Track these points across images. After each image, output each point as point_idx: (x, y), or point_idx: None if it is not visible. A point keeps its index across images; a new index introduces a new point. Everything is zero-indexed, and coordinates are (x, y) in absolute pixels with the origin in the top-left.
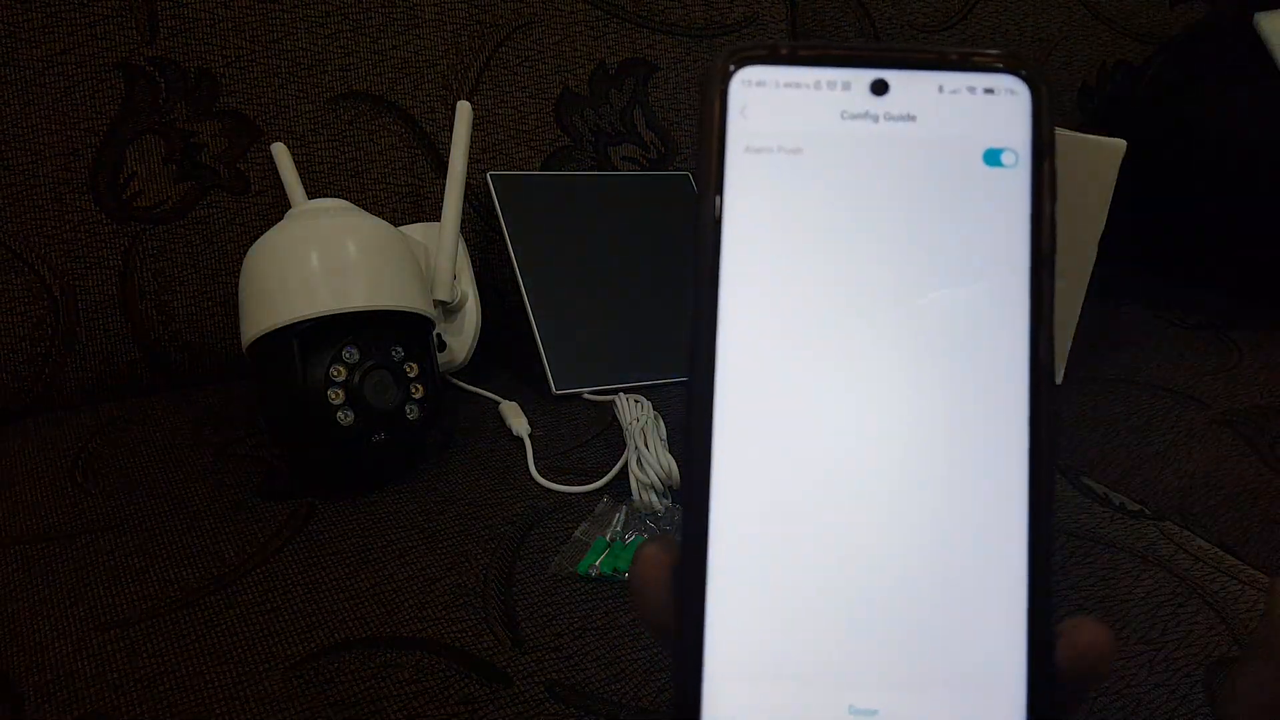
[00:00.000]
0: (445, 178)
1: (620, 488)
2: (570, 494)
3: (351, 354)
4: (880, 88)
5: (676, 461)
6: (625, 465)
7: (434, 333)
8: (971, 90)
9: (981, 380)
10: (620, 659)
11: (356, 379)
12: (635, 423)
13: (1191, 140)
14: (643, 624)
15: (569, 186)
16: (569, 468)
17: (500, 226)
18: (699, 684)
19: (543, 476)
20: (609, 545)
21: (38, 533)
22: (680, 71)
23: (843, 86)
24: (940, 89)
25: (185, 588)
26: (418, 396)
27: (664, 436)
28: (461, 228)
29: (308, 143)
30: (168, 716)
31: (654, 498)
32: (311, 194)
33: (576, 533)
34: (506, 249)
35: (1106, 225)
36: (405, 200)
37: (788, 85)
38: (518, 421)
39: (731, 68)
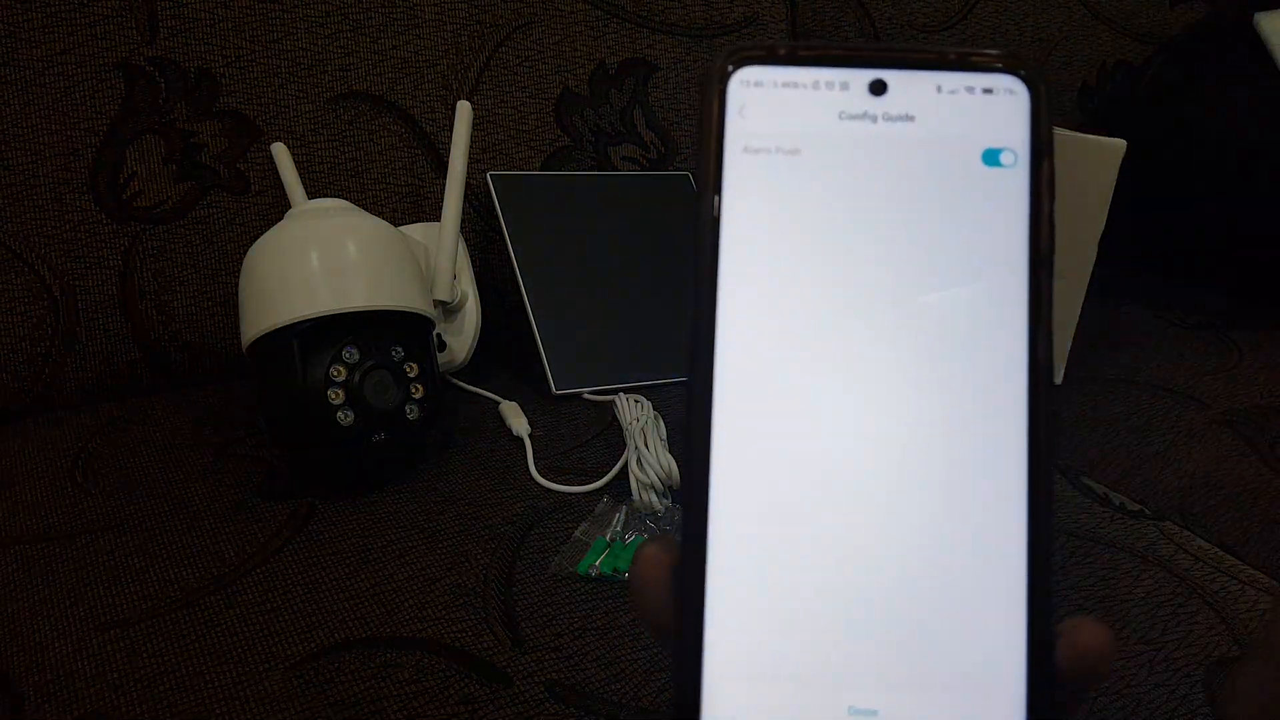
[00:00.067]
0: (445, 178)
1: (620, 488)
2: (570, 494)
3: (351, 354)
4: (879, 88)
5: (676, 461)
6: (625, 465)
7: (434, 333)
8: (970, 90)
9: (980, 380)
10: (620, 659)
11: (356, 379)
12: (635, 423)
13: (1191, 140)
14: (642, 624)
15: (569, 186)
16: (569, 468)
17: (500, 226)
18: (699, 684)
19: (543, 476)
20: (609, 545)
21: (38, 533)
22: (680, 71)
23: (841, 87)
24: (939, 89)
25: (185, 588)
26: (418, 396)
27: (664, 436)
28: (461, 228)
29: (308, 143)
30: (168, 716)
31: (654, 498)
32: (311, 194)
33: (576, 533)
34: (506, 249)
35: (1106, 225)
36: (405, 200)
37: (786, 85)
38: (518, 421)
39: (730, 68)
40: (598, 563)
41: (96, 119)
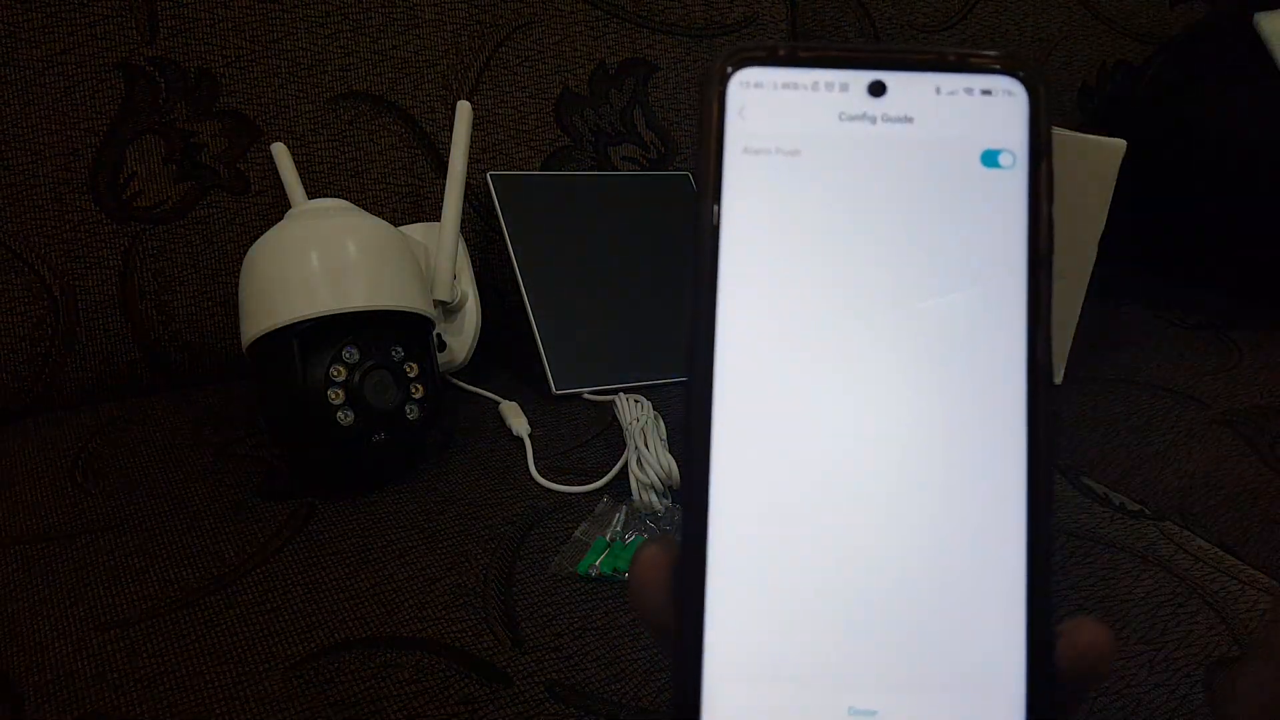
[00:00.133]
0: (445, 178)
1: (620, 488)
2: (570, 494)
3: (351, 354)
4: (878, 89)
5: (676, 461)
6: (625, 465)
7: (434, 333)
8: (969, 91)
9: (980, 381)
10: (620, 659)
11: (356, 379)
12: (635, 423)
13: (1191, 140)
14: (642, 625)
15: (569, 186)
16: (569, 468)
17: (500, 226)
18: (698, 685)
19: (543, 476)
20: (609, 545)
21: (38, 533)
22: (680, 71)
23: (840, 88)
24: (938, 90)
25: (185, 588)
26: (418, 396)
27: (664, 436)
28: (461, 228)
29: (308, 143)
30: (168, 716)
31: (654, 498)
32: (311, 194)
33: (576, 533)
34: (506, 249)
35: (1106, 225)
36: (405, 200)
37: (786, 86)
38: (518, 421)
39: (730, 69)
40: (598, 563)
41: (96, 119)
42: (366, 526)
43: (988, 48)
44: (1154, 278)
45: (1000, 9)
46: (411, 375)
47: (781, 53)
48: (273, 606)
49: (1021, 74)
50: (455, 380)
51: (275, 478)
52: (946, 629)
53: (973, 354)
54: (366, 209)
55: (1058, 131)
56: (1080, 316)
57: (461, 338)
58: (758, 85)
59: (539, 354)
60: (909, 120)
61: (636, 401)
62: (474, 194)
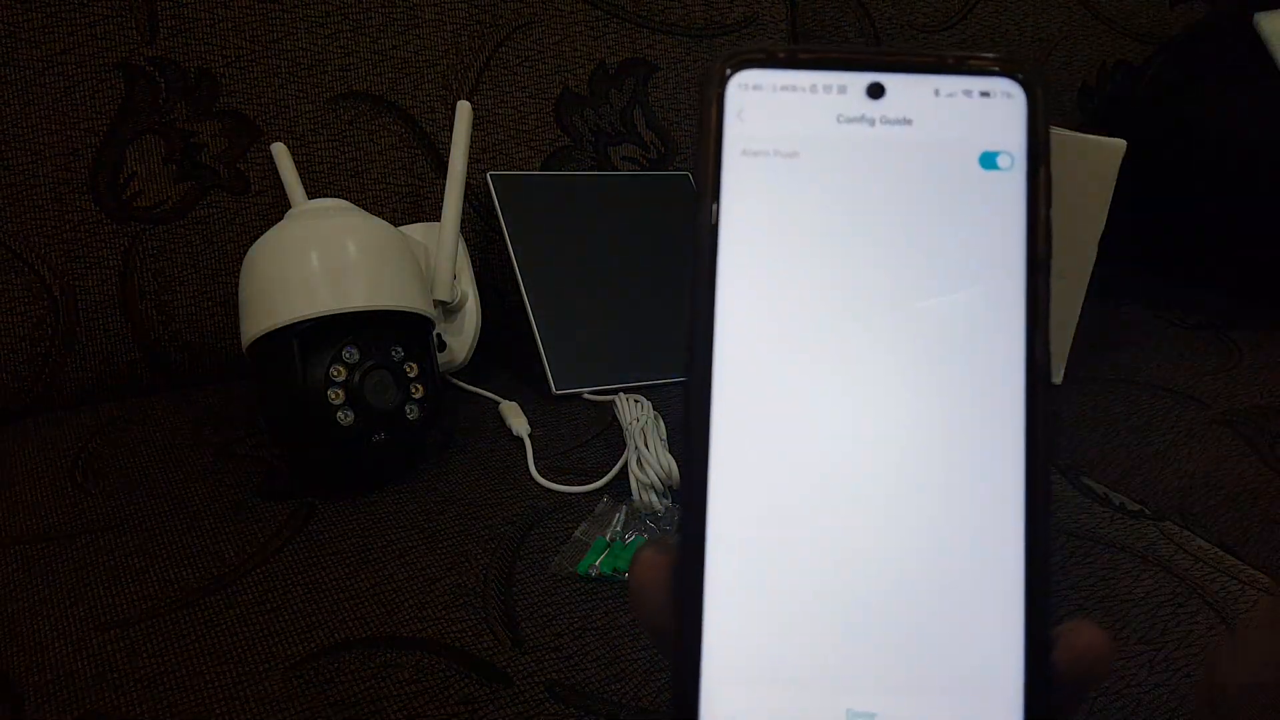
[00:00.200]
0: (445, 178)
1: (620, 488)
2: (570, 494)
3: (351, 354)
4: (876, 91)
5: (677, 462)
6: (625, 465)
7: (434, 333)
8: (968, 93)
9: (978, 383)
10: (620, 659)
11: (356, 379)
12: (635, 423)
13: (1191, 140)
14: (641, 627)
15: (569, 186)
16: (569, 468)
17: (500, 226)
18: (697, 687)
19: (543, 476)
20: (609, 545)
21: (38, 533)
22: (680, 71)
23: (839, 90)
24: (936, 92)
25: (185, 588)
26: (418, 396)
27: (664, 436)
28: (461, 228)
29: (308, 143)
30: (168, 716)
31: (654, 498)
32: (311, 194)
33: (576, 533)
34: (506, 249)
35: (1106, 225)
36: (405, 200)
37: (784, 89)
38: (518, 421)
39: (728, 71)
40: (598, 563)
41: (96, 119)
42: (366, 526)
43: (986, 49)
44: (1154, 278)
45: (1000, 9)
46: (411, 375)
47: (780, 55)
48: (273, 606)
49: (1020, 76)
50: (455, 380)
51: (275, 478)
52: (945, 631)
53: (971, 356)
54: (366, 209)
55: (1057, 131)
56: (1080, 316)
57: (461, 338)
58: (756, 87)
59: (539, 354)
60: (907, 122)
61: (636, 401)
62: (474, 194)
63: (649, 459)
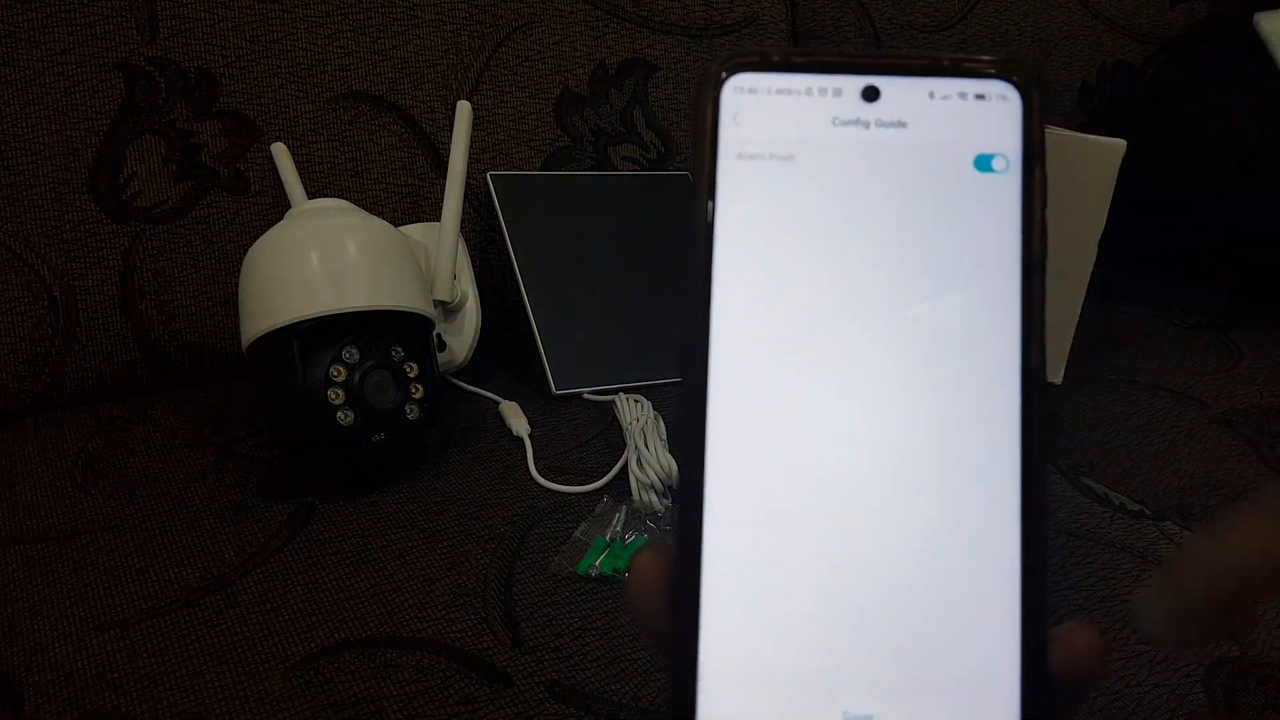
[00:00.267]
0: (445, 178)
1: (620, 488)
2: (570, 494)
3: (351, 354)
4: (871, 94)
5: (677, 462)
6: (625, 465)
7: (434, 333)
8: (963, 96)
9: (973, 385)
10: (620, 659)
11: (356, 379)
12: (635, 423)
13: (1191, 140)
14: (639, 630)
15: (569, 186)
16: (569, 468)
17: (500, 226)
18: (694, 689)
19: (543, 476)
20: (609, 545)
21: (38, 533)
22: (680, 71)
23: (834, 93)
24: (931, 95)
25: (185, 588)
26: (418, 396)
27: (664, 436)
28: (461, 228)
29: (308, 143)
30: (168, 716)
31: (654, 498)
32: (311, 194)
33: (576, 533)
34: (506, 249)
35: (1106, 225)
36: (405, 200)
37: (779, 92)
38: (518, 421)
39: (724, 75)
40: (598, 563)
41: (96, 119)
42: (366, 526)
43: (981, 52)
44: (1154, 278)
45: (1000, 9)
46: (411, 375)
47: (775, 58)
48: (273, 606)
49: (1015, 78)
50: (455, 380)
51: (275, 478)
52: (941, 633)
53: (966, 358)
54: (366, 209)
55: (1057, 131)
56: (1080, 316)
57: (461, 338)
58: (751, 91)
59: (539, 354)
60: (902, 125)
61: (636, 401)
62: (474, 194)
63: (649, 459)
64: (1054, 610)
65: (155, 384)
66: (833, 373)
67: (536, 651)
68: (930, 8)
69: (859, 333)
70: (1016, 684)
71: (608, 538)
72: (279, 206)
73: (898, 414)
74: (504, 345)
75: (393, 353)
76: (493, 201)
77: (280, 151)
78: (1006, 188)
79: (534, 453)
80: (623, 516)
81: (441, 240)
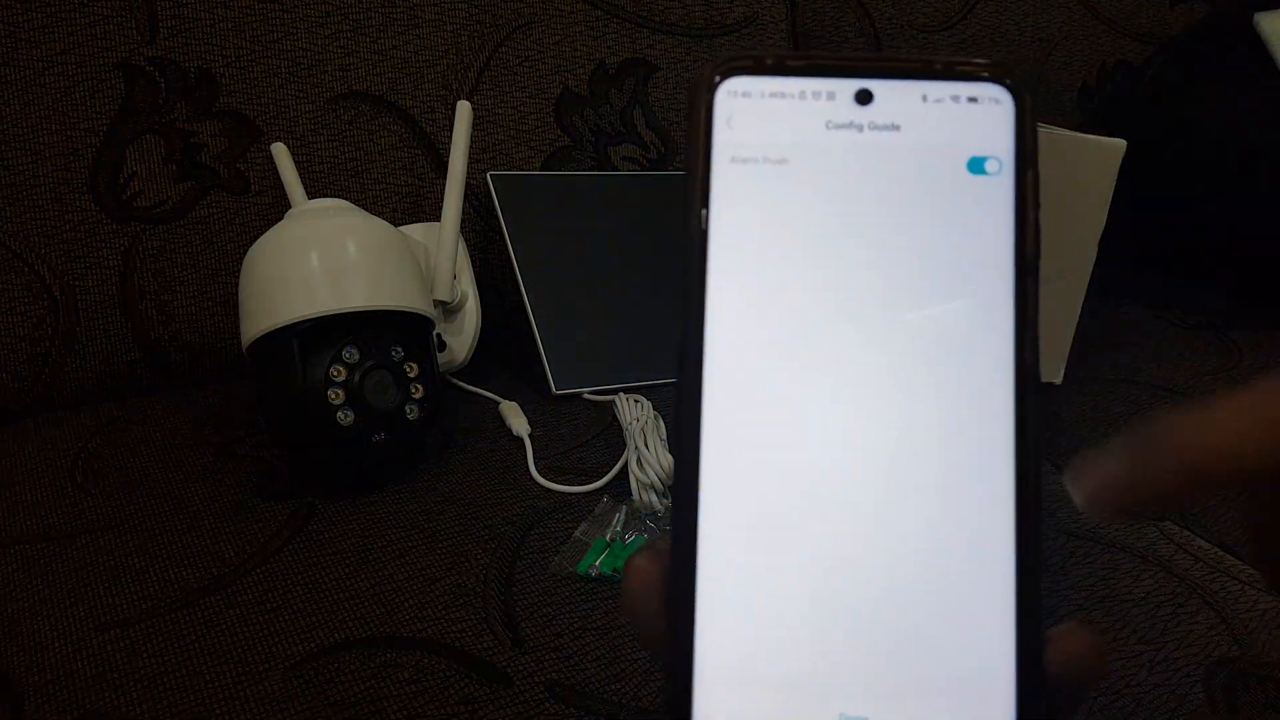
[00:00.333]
0: (445, 178)
1: (620, 488)
2: (570, 494)
3: (351, 354)
4: (864, 97)
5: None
6: (625, 465)
7: (434, 333)
8: (955, 99)
9: (968, 387)
10: (620, 659)
11: (356, 379)
12: (635, 423)
13: (1191, 140)
14: (634, 634)
15: (569, 186)
16: (569, 468)
17: (500, 226)
18: (689, 692)
19: (543, 476)
20: (609, 545)
21: (37, 533)
22: (680, 71)
23: (827, 96)
24: (924, 98)
25: (185, 588)
26: (418, 396)
27: (664, 436)
28: (461, 228)
29: (308, 143)
30: (168, 717)
31: (654, 498)
32: (311, 194)
33: (576, 533)
34: (506, 249)
35: (1106, 225)
36: (405, 200)
37: (773, 95)
38: (518, 421)
39: (717, 79)
40: (598, 563)
41: (96, 119)
42: (366, 526)
43: (974, 55)
44: (1154, 278)
45: (1000, 9)
46: (411, 375)
47: (768, 62)
48: (273, 606)
49: (1008, 81)
50: (455, 380)
51: (275, 478)
52: (937, 634)
53: (961, 359)
54: (366, 209)
55: (1057, 131)
56: (1080, 317)
57: (461, 338)
58: (745, 94)
59: (539, 354)
60: (896, 128)
61: (636, 401)
62: (474, 194)
63: (649, 459)
64: (1051, 611)
65: (155, 384)
66: (826, 375)
67: (536, 651)
68: (930, 8)
69: (853, 335)
70: (1012, 686)
71: (608, 538)
72: (279, 206)
73: (892, 416)
74: (504, 345)
75: (393, 353)
76: (493, 201)
77: (280, 151)
78: (1000, 190)
79: (534, 453)
80: (623, 516)
81: (441, 240)
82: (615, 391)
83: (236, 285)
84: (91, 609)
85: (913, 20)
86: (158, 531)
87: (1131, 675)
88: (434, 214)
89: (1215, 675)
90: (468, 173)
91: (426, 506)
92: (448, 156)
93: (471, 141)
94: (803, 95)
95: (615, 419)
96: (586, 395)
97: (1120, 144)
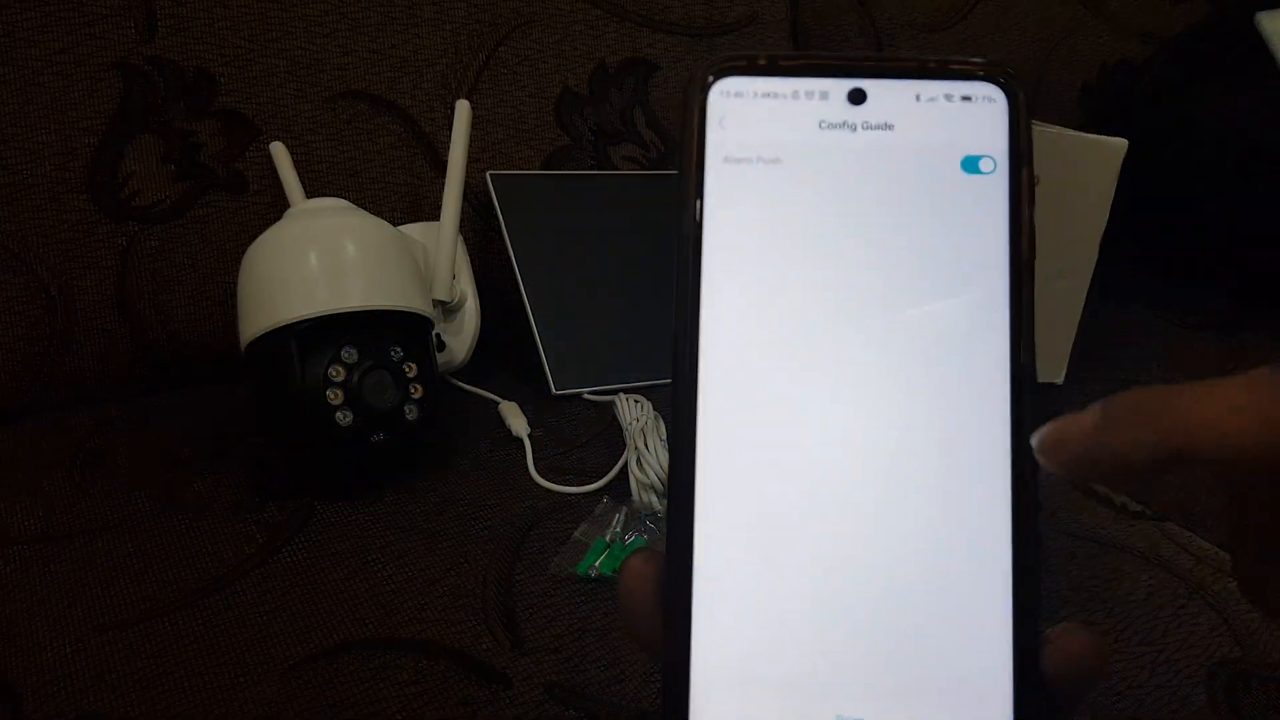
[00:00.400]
0: (444, 177)
1: (620, 488)
2: (570, 495)
3: (350, 354)
4: (858, 97)
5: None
6: (625, 466)
7: (433, 333)
8: (949, 98)
9: (964, 387)
10: (620, 660)
11: (355, 379)
12: (635, 423)
13: (1193, 139)
14: (631, 635)
15: (569, 186)
16: (568, 468)
17: (500, 226)
18: (687, 694)
19: (542, 477)
20: (609, 546)
21: (35, 533)
22: (680, 71)
23: (820, 96)
24: (918, 97)
25: (183, 589)
26: (417, 397)
27: (664, 437)
28: (461, 227)
29: (306, 142)
30: (166, 718)
31: (654, 498)
32: (310, 193)
33: (576, 533)
34: (506, 249)
35: (1108, 225)
36: (404, 200)
37: (766, 95)
38: (517, 422)
39: (710, 79)
40: (597, 564)
41: (94, 118)
42: (365, 527)
43: (968, 54)
44: (1155, 278)
45: (1002, 7)
46: (410, 375)
47: (761, 62)
48: (271, 608)
49: (1002, 80)
50: (454, 380)
51: (273, 478)
52: (934, 635)
53: (956, 359)
54: (365, 208)
55: (1058, 131)
56: (1082, 317)
57: (461, 338)
58: (738, 94)
59: (538, 354)
60: (889, 127)
61: (636, 402)
62: (473, 193)
63: (649, 459)
64: (1052, 612)
65: (153, 384)
66: (820, 375)
67: (536, 653)
68: (931, 6)
69: (848, 334)
70: (1009, 687)
71: (607, 538)
72: (277, 206)
73: (888, 415)
74: (503, 345)
75: (392, 353)
76: (492, 201)
77: (279, 151)
78: (994, 189)
79: (533, 453)
80: (623, 517)
81: (441, 240)
82: (615, 392)
83: (234, 285)
84: (89, 610)
85: (914, 19)
86: (156, 532)
87: (1133, 676)
88: (433, 213)
89: (1217, 676)
90: (467, 172)
91: (425, 507)
92: (447, 156)
93: (471, 141)
94: (796, 95)
95: (615, 419)
96: (586, 395)
97: (1122, 143)
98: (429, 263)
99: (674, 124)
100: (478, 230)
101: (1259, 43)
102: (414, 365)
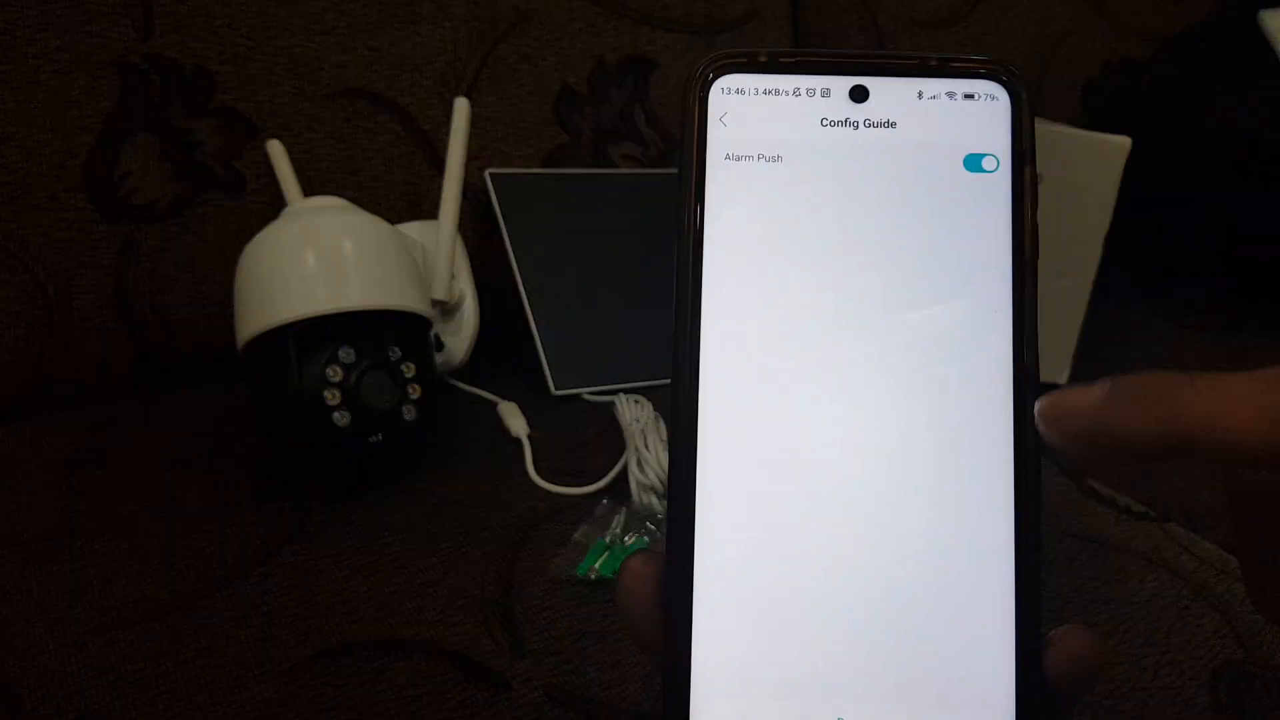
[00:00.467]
0: (443, 175)
1: (620, 489)
2: (570, 496)
3: (348, 354)
4: (860, 94)
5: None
6: (625, 467)
7: (431, 332)
8: (951, 96)
9: (966, 386)
10: (620, 663)
11: (353, 379)
12: (635, 423)
13: (1194, 139)
14: (631, 638)
15: (568, 185)
16: (568, 469)
17: (499, 225)
18: (686, 697)
19: (542, 478)
20: (609, 548)
21: (32, 535)
22: (681, 68)
23: (822, 93)
24: (920, 95)
25: (181, 590)
26: (415, 397)
27: (665, 438)
28: (459, 226)
29: (304, 140)
30: (165, 719)
31: (654, 499)
32: (308, 192)
33: (576, 535)
34: (505, 248)
35: (1111, 224)
36: (402, 198)
37: (767, 92)
38: (516, 422)
39: (711, 75)
40: (597, 565)
41: (91, 116)
42: (363, 529)
43: (970, 52)
44: (1158, 277)
45: (1004, 5)
46: (409, 375)
47: (763, 59)
48: (269, 610)
49: (1004, 78)
50: (453, 380)
51: (271, 479)
52: (935, 637)
53: (958, 359)
54: (363, 207)
55: (1061, 129)
56: (1085, 316)
57: (459, 337)
58: (739, 91)
59: (538, 354)
60: (891, 125)
61: (637, 402)
62: (472, 192)
63: (649, 460)
64: (1055, 613)
65: (150, 384)
66: (821, 374)
67: (535, 655)
68: (933, 4)
69: (849, 333)
70: (1011, 688)
71: (607, 540)
72: (275, 205)
73: (889, 415)
74: (502, 345)
75: (390, 353)
76: (491, 200)
77: (276, 149)
78: (997, 187)
79: (533, 454)
80: (623, 518)
81: (439, 239)
82: (615, 392)
83: (232, 284)
84: (87, 612)
85: (915, 17)
86: (153, 534)
87: (1136, 678)
88: (431, 212)
89: (1221, 678)
90: (466, 170)
91: (424, 508)
92: (445, 154)
93: (470, 139)
94: (797, 92)
95: (615, 420)
96: (586, 396)
97: (1125, 141)
98: (427, 262)
99: (674, 122)
100: (476, 229)
101: (1261, 42)
102: (412, 365)
